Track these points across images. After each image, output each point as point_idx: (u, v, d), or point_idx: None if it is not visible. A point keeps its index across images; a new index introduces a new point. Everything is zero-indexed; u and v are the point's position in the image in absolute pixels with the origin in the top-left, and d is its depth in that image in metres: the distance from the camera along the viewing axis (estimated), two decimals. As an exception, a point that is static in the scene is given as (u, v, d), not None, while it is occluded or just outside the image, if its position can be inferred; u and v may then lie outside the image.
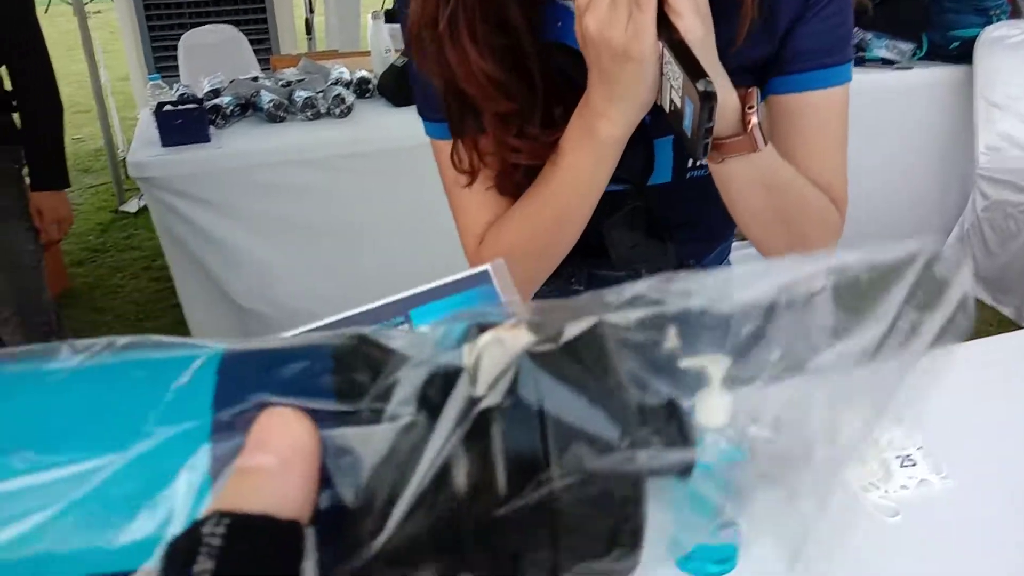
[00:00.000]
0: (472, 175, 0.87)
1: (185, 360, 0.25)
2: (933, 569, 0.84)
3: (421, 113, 0.91)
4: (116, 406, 0.24)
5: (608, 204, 0.85)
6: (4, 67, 1.93)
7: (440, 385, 0.24)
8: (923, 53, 3.08)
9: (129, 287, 3.43)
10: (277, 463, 0.22)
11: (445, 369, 0.24)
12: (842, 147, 0.87)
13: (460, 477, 0.23)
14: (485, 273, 0.49)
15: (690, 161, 0.86)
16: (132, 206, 4.24)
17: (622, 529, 0.24)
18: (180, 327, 2.75)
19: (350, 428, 0.24)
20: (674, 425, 0.27)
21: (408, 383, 0.24)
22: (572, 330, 0.25)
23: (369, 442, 0.23)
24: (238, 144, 2.44)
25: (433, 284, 0.50)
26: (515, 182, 0.87)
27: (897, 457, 0.96)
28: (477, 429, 0.23)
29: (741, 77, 0.78)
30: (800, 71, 0.82)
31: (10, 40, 1.88)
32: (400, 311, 0.48)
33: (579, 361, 0.25)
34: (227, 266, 2.45)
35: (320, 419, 0.24)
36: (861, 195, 2.99)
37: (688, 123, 0.65)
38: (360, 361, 0.25)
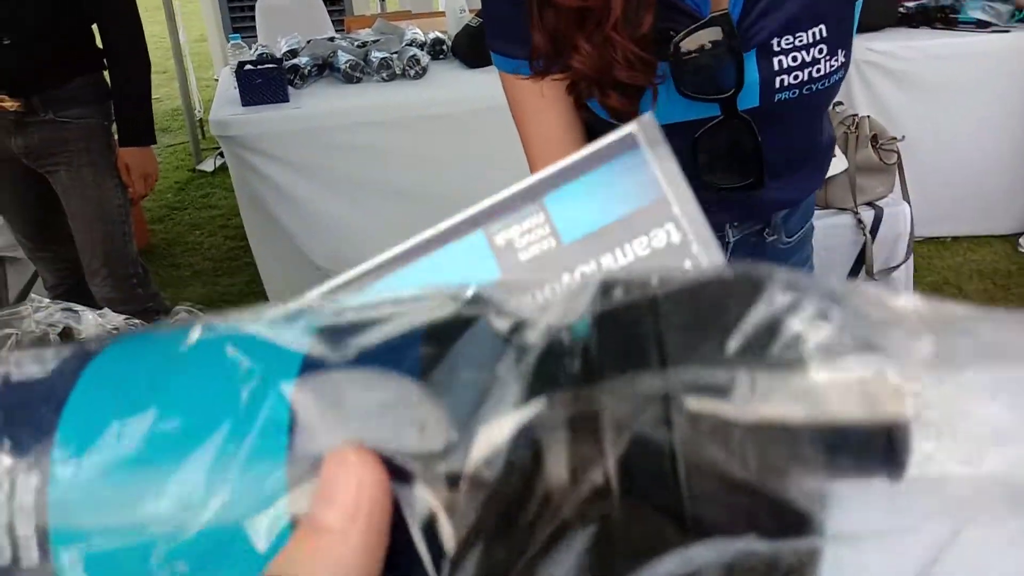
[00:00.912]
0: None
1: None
2: None
3: (493, 47, 0.88)
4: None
5: (696, 132, 0.84)
6: (96, 26, 1.98)
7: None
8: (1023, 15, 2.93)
9: (206, 244, 3.53)
10: (340, 524, 0.20)
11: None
12: None
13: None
14: (630, 137, 0.43)
15: (778, 80, 0.84)
16: (208, 165, 4.34)
17: None
18: (254, 284, 2.82)
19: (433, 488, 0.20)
20: None
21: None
22: None
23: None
24: (315, 104, 2.47)
25: (567, 161, 0.44)
26: (583, 120, 0.85)
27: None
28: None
29: None
30: None
31: (103, 1, 1.93)
32: (529, 198, 0.41)
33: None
34: (302, 224, 2.49)
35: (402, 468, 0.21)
36: (956, 162, 2.90)
37: None
38: (478, 351, 0.22)
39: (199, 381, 0.24)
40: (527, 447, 0.20)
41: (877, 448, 0.20)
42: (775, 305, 0.21)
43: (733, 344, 0.20)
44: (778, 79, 0.83)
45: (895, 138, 2.22)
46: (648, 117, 0.43)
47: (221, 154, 4.26)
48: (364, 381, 0.22)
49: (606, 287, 0.24)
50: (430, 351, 0.23)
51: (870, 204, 2.24)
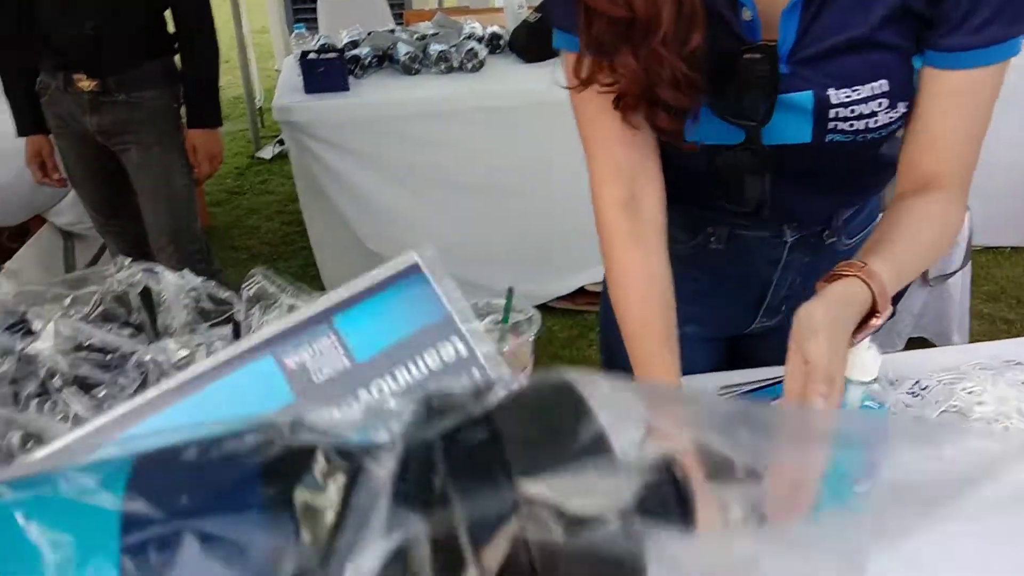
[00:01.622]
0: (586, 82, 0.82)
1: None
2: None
3: (555, 23, 0.86)
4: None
5: (731, 156, 0.85)
6: (169, 12, 2.06)
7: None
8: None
9: (263, 228, 3.61)
10: None
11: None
12: (982, 134, 0.82)
13: None
14: (414, 265, 0.44)
15: (831, 125, 0.82)
16: (267, 152, 4.44)
17: None
18: (310, 268, 2.88)
19: None
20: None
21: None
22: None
23: None
24: (374, 94, 2.52)
25: (356, 284, 0.43)
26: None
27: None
28: None
29: (897, 24, 0.76)
30: (964, 48, 0.76)
31: (176, -14, 2.01)
32: (319, 321, 0.40)
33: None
34: (358, 210, 2.55)
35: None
36: (1021, 170, 2.82)
37: None
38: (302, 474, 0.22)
39: None
40: (399, 568, 0.21)
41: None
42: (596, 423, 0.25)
43: (566, 457, 0.23)
44: (832, 124, 0.82)
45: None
46: (431, 250, 0.45)
47: (280, 142, 4.36)
48: (203, 543, 0.21)
49: (427, 404, 0.25)
50: (272, 492, 0.22)
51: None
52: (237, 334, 0.80)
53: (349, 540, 0.21)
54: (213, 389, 0.34)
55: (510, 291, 0.92)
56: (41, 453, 0.32)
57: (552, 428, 0.24)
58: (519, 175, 2.54)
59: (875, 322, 0.72)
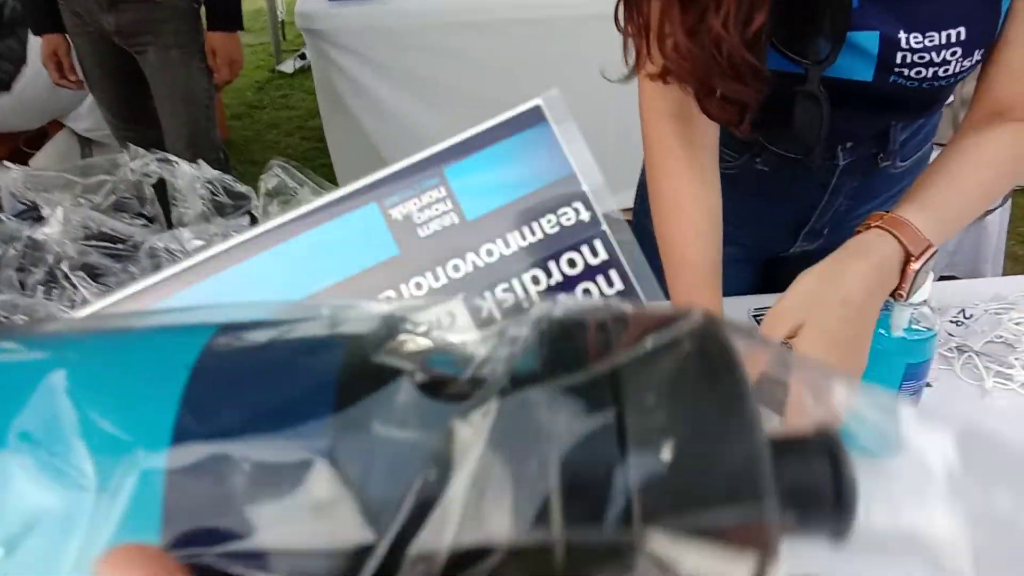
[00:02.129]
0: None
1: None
2: None
3: None
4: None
5: (787, 85, 0.78)
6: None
7: None
8: None
9: (283, 143, 3.56)
10: None
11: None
12: None
13: None
14: (537, 109, 0.38)
15: (897, 71, 0.76)
16: (288, 67, 4.35)
17: None
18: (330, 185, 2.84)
19: None
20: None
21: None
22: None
23: None
24: (403, 2, 2.42)
25: (471, 131, 0.38)
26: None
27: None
28: None
29: None
30: None
31: None
32: (430, 169, 0.36)
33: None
34: (381, 126, 2.48)
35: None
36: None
37: None
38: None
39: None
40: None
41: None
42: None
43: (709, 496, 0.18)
44: (897, 70, 0.76)
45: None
46: (555, 92, 0.38)
47: (301, 56, 4.26)
48: (255, 464, 0.18)
49: (546, 331, 0.21)
50: (344, 419, 0.19)
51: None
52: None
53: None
54: (314, 235, 0.31)
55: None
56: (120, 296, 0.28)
57: (699, 435, 0.19)
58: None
59: (913, 266, 0.68)
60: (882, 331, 0.77)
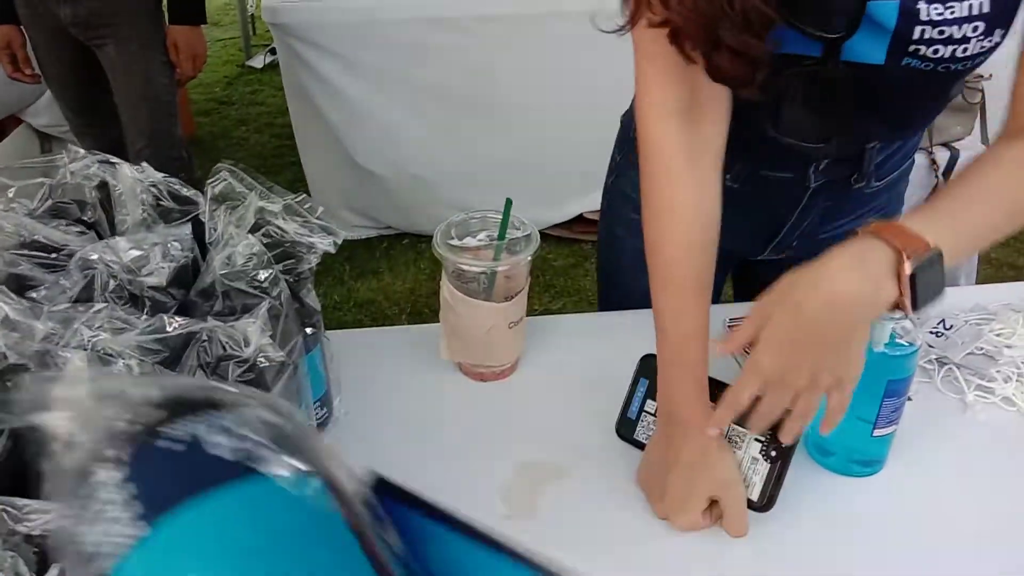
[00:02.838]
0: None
1: None
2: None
3: None
4: None
5: (786, 71, 0.73)
6: None
7: None
8: None
9: (252, 140, 3.48)
10: None
11: None
12: None
13: None
14: None
15: (913, 47, 0.70)
16: (258, 61, 4.27)
17: None
18: (299, 184, 2.78)
19: None
20: None
21: None
22: None
23: None
24: (370, -4, 2.37)
25: None
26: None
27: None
28: None
29: None
30: None
31: None
32: None
33: None
34: (350, 122, 2.43)
35: None
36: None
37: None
38: None
39: None
40: None
41: None
42: None
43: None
44: (913, 47, 0.70)
45: (982, 76, 2.07)
46: None
47: (272, 51, 4.18)
48: None
49: None
50: None
51: (946, 145, 2.11)
52: (200, 235, 0.72)
53: None
54: None
55: (508, 203, 0.84)
56: None
57: None
58: (519, 93, 2.41)
59: (906, 267, 0.61)
60: (863, 346, 0.73)
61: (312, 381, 0.77)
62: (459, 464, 0.81)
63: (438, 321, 0.92)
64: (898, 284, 0.61)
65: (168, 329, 0.56)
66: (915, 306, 0.62)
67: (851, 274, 0.62)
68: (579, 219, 2.67)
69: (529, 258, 0.86)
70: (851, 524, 0.74)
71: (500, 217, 0.86)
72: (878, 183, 0.94)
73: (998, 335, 0.92)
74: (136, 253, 0.64)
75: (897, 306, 0.62)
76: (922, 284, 0.61)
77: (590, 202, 2.56)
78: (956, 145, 2.13)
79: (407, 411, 0.88)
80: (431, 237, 0.86)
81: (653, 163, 0.75)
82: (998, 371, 0.88)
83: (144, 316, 0.60)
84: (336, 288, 2.49)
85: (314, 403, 0.80)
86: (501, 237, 0.85)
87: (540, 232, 0.88)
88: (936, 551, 0.72)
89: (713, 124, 0.75)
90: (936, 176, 2.11)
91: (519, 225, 0.87)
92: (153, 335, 0.56)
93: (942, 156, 2.09)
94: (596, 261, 1.18)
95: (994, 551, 0.72)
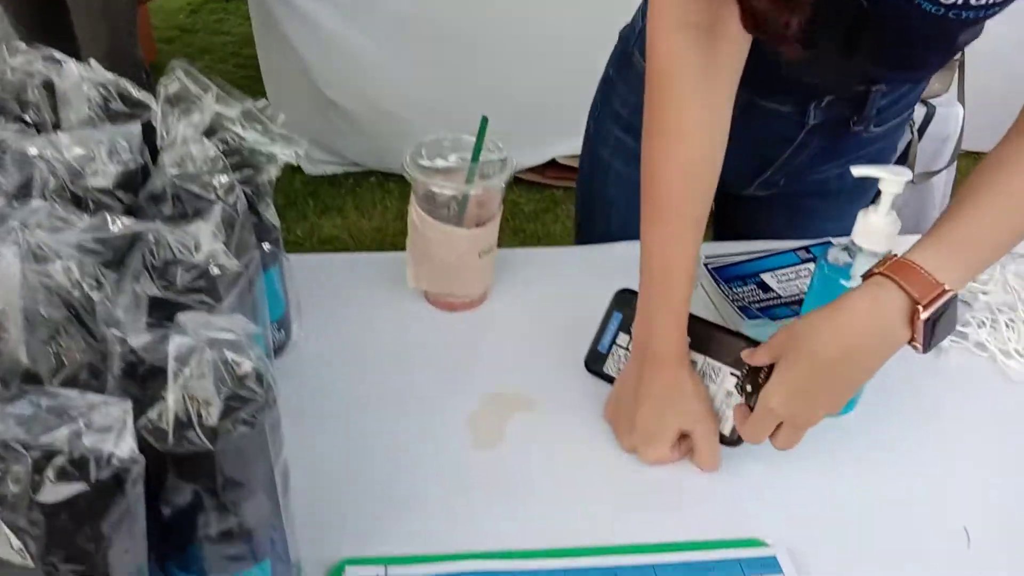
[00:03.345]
0: None
1: None
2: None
3: None
4: None
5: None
6: None
7: None
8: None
9: (216, 70, 3.35)
10: None
11: None
12: None
13: None
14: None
15: None
16: (224, -10, 4.11)
17: None
18: (264, 116, 2.69)
19: None
20: None
21: None
22: None
23: None
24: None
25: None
26: None
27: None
28: None
29: None
30: None
31: None
32: None
33: None
34: (319, 53, 2.34)
35: None
36: (1019, 78, 2.70)
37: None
38: None
39: None
40: None
41: None
42: None
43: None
44: None
45: (964, 32, 2.04)
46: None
47: (239, -22, 4.02)
48: None
49: None
50: None
51: (923, 100, 2.09)
52: (152, 143, 0.67)
53: None
54: None
55: (484, 122, 0.79)
56: None
57: None
58: (496, 28, 2.34)
59: (921, 316, 0.60)
60: (843, 282, 0.72)
61: (270, 301, 0.74)
62: (425, 393, 0.79)
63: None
64: (911, 329, 0.61)
65: (111, 228, 0.51)
66: (927, 348, 0.62)
67: (867, 325, 0.62)
68: (552, 164, 2.63)
69: (504, 184, 0.83)
70: (820, 462, 0.73)
71: (475, 139, 0.82)
72: (877, 128, 0.92)
73: (974, 280, 0.91)
74: (80, 151, 0.59)
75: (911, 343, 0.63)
76: (938, 327, 0.62)
77: (564, 148, 2.51)
78: (933, 101, 2.11)
79: (371, 339, 0.85)
80: (399, 176, 0.82)
81: (662, 77, 0.70)
82: (972, 316, 0.88)
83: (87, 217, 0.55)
84: (299, 223, 2.43)
85: (272, 324, 0.76)
86: (475, 159, 0.81)
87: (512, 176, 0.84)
88: (903, 492, 0.72)
89: (733, 42, 0.69)
90: (911, 132, 2.10)
91: (494, 148, 0.83)
92: (94, 234, 0.51)
93: (918, 112, 2.07)
94: (576, 193, 1.14)
95: (960, 494, 0.72)
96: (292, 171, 2.57)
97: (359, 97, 2.40)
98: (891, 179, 0.68)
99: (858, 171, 0.70)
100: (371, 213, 2.49)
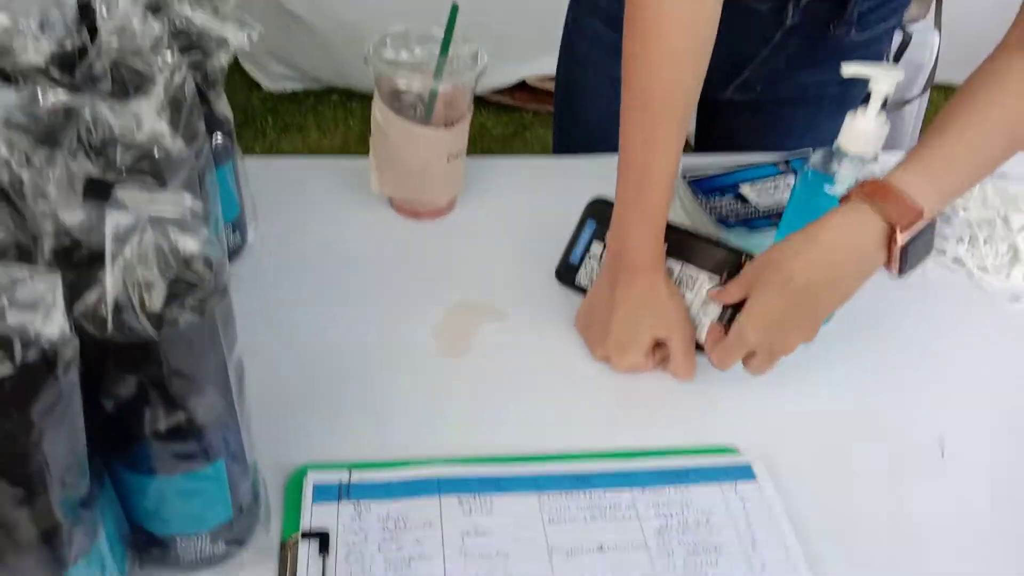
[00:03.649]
0: None
1: None
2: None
3: None
4: None
5: None
6: None
7: None
8: None
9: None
10: None
11: None
12: None
13: None
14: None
15: None
16: None
17: None
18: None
19: None
20: None
21: None
22: None
23: None
24: None
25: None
26: None
27: (1035, 241, 0.84)
28: None
29: None
30: None
31: None
32: None
33: None
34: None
35: None
36: (997, 9, 2.67)
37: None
38: None
39: None
40: None
41: None
42: None
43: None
44: None
45: (944, -46, 2.00)
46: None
47: None
48: None
49: None
50: None
51: (900, 26, 2.06)
52: (91, 25, 0.61)
53: None
54: None
55: (454, 10, 0.74)
56: None
57: None
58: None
59: (898, 240, 0.60)
60: (827, 188, 0.69)
61: (223, 200, 0.69)
62: (389, 301, 0.75)
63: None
64: (888, 252, 0.61)
65: (43, 102, 0.46)
66: (902, 271, 0.62)
67: (843, 249, 0.62)
68: (522, 86, 2.55)
69: (475, 80, 0.78)
70: (796, 373, 0.71)
71: (443, 32, 0.76)
72: (858, 35, 0.89)
73: (953, 196, 0.89)
74: (5, 21, 0.53)
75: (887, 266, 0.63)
76: (913, 251, 0.61)
77: (535, 67, 2.44)
78: (909, 28, 2.08)
79: (332, 245, 0.81)
80: (363, 95, 0.77)
81: None
82: (951, 232, 0.86)
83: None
84: (258, 141, 2.35)
85: (226, 225, 0.72)
86: (444, 52, 0.76)
87: (478, 97, 0.79)
88: (878, 404, 0.71)
89: None
90: (886, 58, 2.07)
91: (465, 39, 0.78)
92: (24, 108, 0.46)
93: (895, 37, 2.04)
94: (553, 115, 1.09)
95: (934, 405, 0.71)
96: (250, 88, 2.47)
97: (321, 9, 2.29)
98: (882, 75, 0.65)
99: (848, 68, 0.66)
100: (333, 133, 2.41)
